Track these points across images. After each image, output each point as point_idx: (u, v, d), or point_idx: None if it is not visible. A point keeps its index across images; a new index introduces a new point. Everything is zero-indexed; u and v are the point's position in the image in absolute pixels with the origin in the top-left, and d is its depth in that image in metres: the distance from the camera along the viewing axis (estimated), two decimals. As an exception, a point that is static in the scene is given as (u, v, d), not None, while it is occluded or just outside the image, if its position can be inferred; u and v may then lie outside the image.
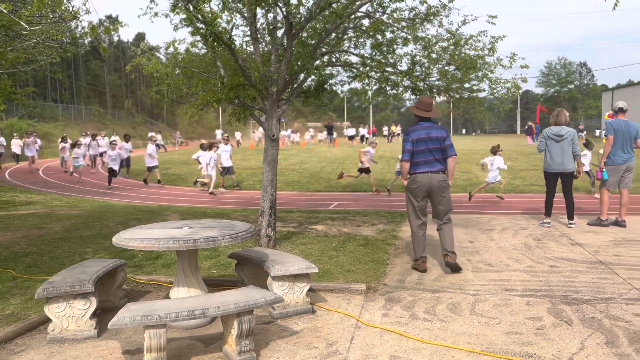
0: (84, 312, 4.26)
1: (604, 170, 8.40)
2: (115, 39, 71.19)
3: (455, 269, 5.88)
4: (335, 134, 43.29)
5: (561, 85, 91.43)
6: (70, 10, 9.13)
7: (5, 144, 25.16)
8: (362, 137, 47.78)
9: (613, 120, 8.45)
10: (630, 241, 7.33)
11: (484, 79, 7.52)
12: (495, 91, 7.67)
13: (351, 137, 46.03)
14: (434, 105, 6.19)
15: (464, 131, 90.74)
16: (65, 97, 58.71)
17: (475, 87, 7.84)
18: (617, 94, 55.52)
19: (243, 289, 4.15)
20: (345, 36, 7.67)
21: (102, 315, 4.66)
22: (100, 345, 4.13)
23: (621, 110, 8.43)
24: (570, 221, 8.44)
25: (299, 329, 4.39)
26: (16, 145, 24.89)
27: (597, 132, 46.08)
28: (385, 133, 51.38)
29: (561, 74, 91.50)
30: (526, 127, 42.76)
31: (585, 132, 46.24)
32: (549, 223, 8.55)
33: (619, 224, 8.38)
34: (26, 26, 6.39)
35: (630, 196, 8.70)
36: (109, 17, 64.04)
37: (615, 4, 6.53)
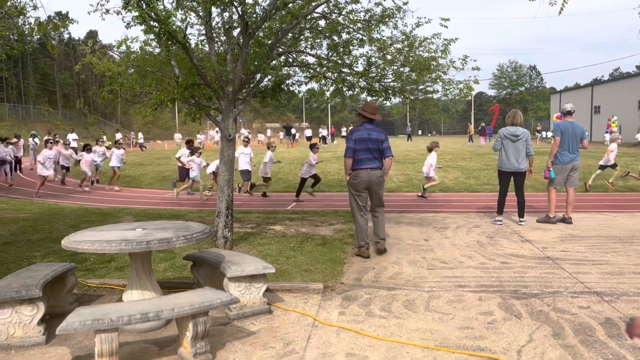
0: (31, 318, 4.11)
1: (551, 169, 8.72)
2: (66, 36, 68.95)
3: (383, 253, 6.79)
4: (297, 135, 43.36)
5: (512, 88, 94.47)
6: (17, 6, 8.79)
7: None
8: (323, 137, 47.99)
9: (560, 121, 8.80)
10: (576, 237, 7.64)
11: (438, 80, 7.70)
12: (448, 92, 7.86)
13: (309, 138, 46.11)
14: (377, 109, 6.83)
15: (419, 132, 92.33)
16: (12, 96, 56.39)
17: (429, 88, 8.02)
18: (565, 96, 57.83)
19: (198, 291, 4.10)
20: (302, 36, 7.69)
21: (52, 320, 4.50)
22: (49, 351, 3.99)
23: (569, 113, 8.80)
24: (521, 219, 8.73)
25: (256, 329, 4.37)
26: None
27: (544, 134, 47.70)
28: (344, 134, 51.76)
29: (512, 77, 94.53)
30: (479, 127, 43.88)
31: (542, 133, 47.74)
32: (500, 221, 8.81)
33: (566, 221, 8.72)
34: (-32, 21, 6.11)
35: (575, 194, 9.06)
36: (58, 13, 61.89)
37: (561, 9, 6.80)
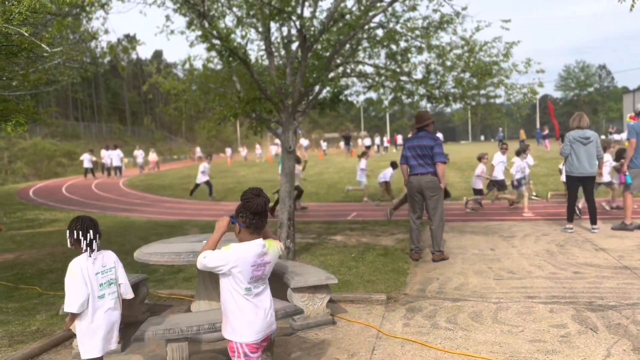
0: (108, 327, 4.31)
1: (627, 173, 8.26)
2: (134, 57, 72.46)
3: (439, 261, 6.87)
4: (351, 144, 43.31)
5: (580, 89, 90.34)
6: (90, 31, 9.35)
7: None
8: (377, 147, 47.60)
9: (635, 122, 8.32)
10: (656, 245, 7.18)
11: (500, 85, 7.50)
12: (511, 97, 7.63)
13: (368, 147, 45.78)
14: (425, 118, 6.98)
15: (482, 137, 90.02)
16: (86, 116, 59.84)
17: (491, 94, 7.81)
18: (639, 95, 54.63)
19: (263, 301, 4.16)
20: (360, 47, 7.71)
21: (126, 329, 4.70)
22: (124, 359, 4.18)
23: (643, 113, 8.32)
24: (594, 226, 8.30)
25: (320, 340, 4.38)
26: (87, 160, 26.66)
27: (619, 136, 45.07)
28: (400, 142, 50.90)
29: (580, 77, 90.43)
30: (545, 132, 42.17)
31: (613, 136, 45.14)
32: (571, 229, 8.42)
33: (644, 227, 8.21)
34: (47, 48, 6.56)
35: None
36: (126, 36, 65.25)
37: (632, 5, 6.47)
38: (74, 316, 3.15)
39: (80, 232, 3.21)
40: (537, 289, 5.46)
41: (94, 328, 3.15)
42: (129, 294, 3.37)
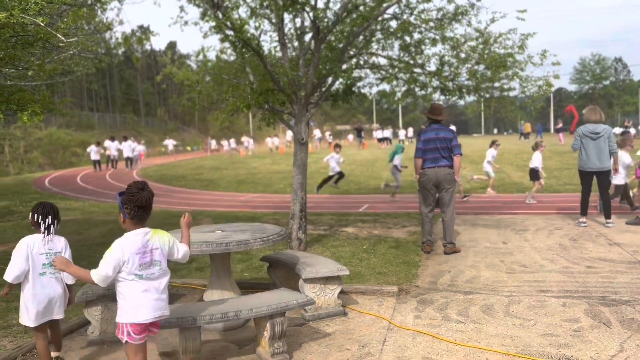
0: (122, 315, 4.37)
1: (642, 167, 8.16)
2: (148, 48, 72.72)
3: (451, 254, 6.85)
4: (363, 136, 43.16)
5: (596, 82, 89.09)
6: (105, 21, 9.40)
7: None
8: (401, 140, 47.12)
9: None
10: (672, 240, 7.10)
11: (515, 77, 7.42)
12: (526, 89, 7.56)
13: (381, 140, 45.49)
14: (442, 110, 6.99)
15: (495, 130, 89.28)
16: (100, 106, 60.26)
17: (505, 86, 7.74)
18: (656, 89, 53.63)
19: (275, 291, 4.20)
20: (373, 38, 7.66)
21: (139, 317, 4.77)
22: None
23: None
24: (608, 220, 8.23)
25: (331, 330, 4.41)
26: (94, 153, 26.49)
27: (633, 130, 44.33)
28: (402, 136, 50.34)
29: (595, 70, 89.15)
30: (559, 125, 41.71)
31: (632, 130, 44.41)
32: (585, 223, 8.34)
33: (660, 222, 8.12)
34: (63, 38, 6.61)
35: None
36: (140, 27, 65.49)
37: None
38: (10, 285, 3.56)
39: (41, 216, 3.63)
40: (549, 282, 5.44)
41: (33, 300, 3.53)
42: (68, 280, 3.72)
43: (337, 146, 13.85)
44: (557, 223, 8.72)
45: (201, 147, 49.51)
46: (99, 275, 2.99)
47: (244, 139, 46.54)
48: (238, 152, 39.93)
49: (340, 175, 13.41)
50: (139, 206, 3.08)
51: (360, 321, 4.60)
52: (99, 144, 27.44)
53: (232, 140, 41.87)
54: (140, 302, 3.03)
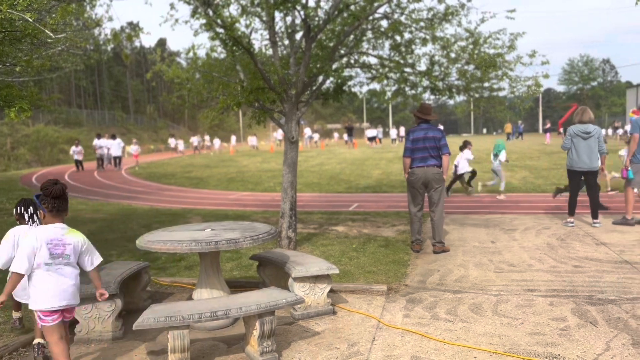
0: (110, 314, 4.35)
1: (629, 168, 8.25)
2: (137, 44, 72.24)
3: (440, 253, 6.90)
4: (353, 135, 43.19)
5: (584, 83, 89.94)
6: (94, 18, 9.32)
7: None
8: (393, 139, 47.06)
9: (638, 117, 8.29)
10: (657, 240, 7.19)
11: (504, 77, 7.48)
12: (515, 89, 7.61)
13: (371, 139, 45.46)
14: (432, 110, 7.02)
15: (484, 130, 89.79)
16: (89, 103, 59.79)
17: (495, 86, 7.79)
18: (643, 90, 54.34)
19: (264, 290, 4.19)
20: (364, 37, 7.67)
21: (127, 316, 4.75)
22: (125, 345, 4.21)
23: (646, 107, 8.28)
24: (595, 220, 8.31)
25: (321, 329, 4.41)
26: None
27: (621, 131, 44.89)
28: (394, 135, 50.40)
29: (584, 72, 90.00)
30: (547, 125, 42.14)
31: (618, 131, 44.91)
32: (572, 222, 8.42)
33: (646, 222, 8.22)
34: (51, 34, 6.55)
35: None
36: (130, 23, 65.02)
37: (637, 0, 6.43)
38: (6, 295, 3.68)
39: (23, 208, 4.05)
40: (537, 282, 5.48)
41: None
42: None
43: (468, 143, 13.06)
44: (545, 223, 8.79)
45: (189, 145, 48.94)
46: (15, 264, 3.22)
47: (207, 137, 46.07)
48: (199, 152, 39.36)
49: (473, 173, 12.96)
50: (54, 197, 3.35)
51: (350, 320, 4.60)
52: (78, 142, 26.09)
53: (195, 139, 41.05)
54: (49, 291, 3.26)
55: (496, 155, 12.32)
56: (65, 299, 3.32)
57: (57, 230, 3.35)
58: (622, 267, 5.90)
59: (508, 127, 47.48)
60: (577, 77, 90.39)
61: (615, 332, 4.09)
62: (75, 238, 3.42)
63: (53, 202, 3.35)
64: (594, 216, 8.32)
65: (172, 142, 42.18)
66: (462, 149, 12.75)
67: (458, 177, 12.77)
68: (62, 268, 3.32)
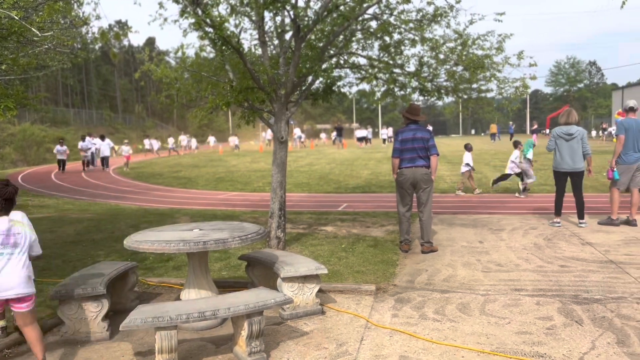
0: (96, 314, 4.32)
1: (614, 169, 8.34)
2: (126, 43, 71.75)
3: (428, 253, 6.95)
4: (343, 136, 43.24)
5: (571, 85, 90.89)
6: (81, 16, 9.24)
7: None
8: (384, 140, 47.13)
9: (624, 119, 8.40)
10: (642, 240, 7.28)
11: (492, 78, 7.53)
12: (503, 91, 7.67)
13: (360, 139, 45.55)
14: (420, 111, 7.08)
15: (473, 131, 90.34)
16: (76, 102, 59.21)
17: (483, 87, 7.85)
18: (628, 92, 55.01)
19: (253, 290, 4.19)
20: (353, 38, 7.69)
21: (114, 317, 4.71)
22: (112, 346, 4.18)
23: (632, 109, 8.38)
24: (581, 220, 8.40)
25: (309, 329, 4.41)
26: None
27: (610, 131, 45.46)
28: (384, 135, 50.54)
29: (570, 73, 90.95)
30: (534, 127, 42.55)
31: (606, 132, 45.47)
32: (559, 222, 8.50)
33: (630, 223, 8.32)
34: (37, 32, 6.48)
35: (641, 195, 8.61)
36: (118, 22, 64.61)
37: (623, 3, 6.51)
38: None
39: None
40: (524, 281, 5.53)
41: None
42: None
43: (519, 143, 12.94)
44: (532, 223, 8.87)
45: (179, 144, 48.54)
46: None
47: (182, 137, 45.41)
48: (177, 153, 38.89)
49: (507, 176, 12.98)
50: (5, 199, 3.57)
51: (338, 320, 4.61)
52: (62, 141, 24.96)
53: (171, 139, 40.40)
54: None
55: (525, 156, 12.54)
56: (7, 289, 3.47)
57: (5, 222, 3.55)
58: (607, 267, 5.97)
59: (493, 128, 47.89)
60: (563, 78, 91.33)
61: (600, 331, 4.14)
62: (23, 228, 3.62)
63: (3, 203, 3.56)
64: (580, 216, 8.41)
65: (146, 142, 40.36)
66: (516, 146, 12.79)
67: (507, 175, 12.95)
68: (9, 257, 3.50)
